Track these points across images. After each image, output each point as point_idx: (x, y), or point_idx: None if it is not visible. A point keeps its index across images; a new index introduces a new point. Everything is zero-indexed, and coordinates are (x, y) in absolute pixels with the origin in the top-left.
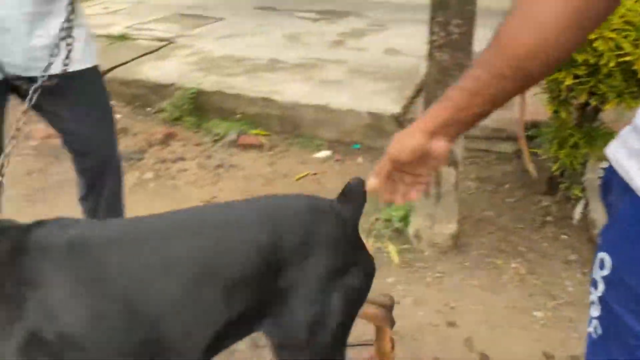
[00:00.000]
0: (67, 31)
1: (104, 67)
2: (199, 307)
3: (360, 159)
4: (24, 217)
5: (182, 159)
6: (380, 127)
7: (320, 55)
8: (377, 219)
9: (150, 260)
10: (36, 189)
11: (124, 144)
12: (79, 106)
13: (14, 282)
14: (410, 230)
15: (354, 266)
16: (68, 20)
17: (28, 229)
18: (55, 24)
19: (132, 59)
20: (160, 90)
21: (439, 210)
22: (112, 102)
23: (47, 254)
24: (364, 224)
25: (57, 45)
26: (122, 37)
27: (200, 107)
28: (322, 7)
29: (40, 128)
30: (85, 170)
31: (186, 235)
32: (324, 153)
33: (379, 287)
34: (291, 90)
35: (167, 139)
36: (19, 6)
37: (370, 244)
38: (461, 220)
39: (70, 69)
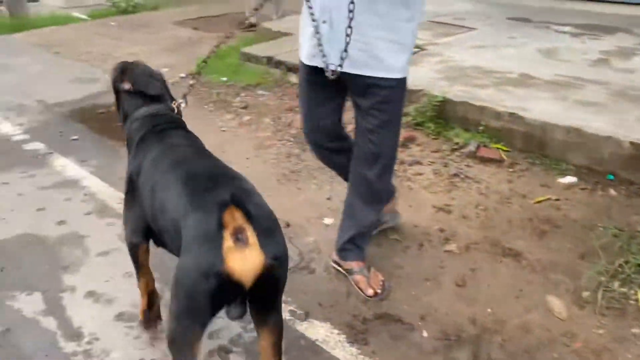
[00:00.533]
0: None
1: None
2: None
3: (613, 192)
4: (276, 191)
5: (419, 162)
6: None
7: (579, 74)
8: (626, 262)
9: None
10: (291, 170)
11: None
12: None
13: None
14: None
15: None
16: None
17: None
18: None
19: None
20: (409, 94)
21: None
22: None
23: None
24: (607, 265)
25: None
26: None
27: (443, 115)
28: (585, 20)
29: (299, 120)
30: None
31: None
32: (569, 179)
33: (619, 336)
34: (541, 108)
35: (407, 141)
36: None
37: (615, 287)
38: None
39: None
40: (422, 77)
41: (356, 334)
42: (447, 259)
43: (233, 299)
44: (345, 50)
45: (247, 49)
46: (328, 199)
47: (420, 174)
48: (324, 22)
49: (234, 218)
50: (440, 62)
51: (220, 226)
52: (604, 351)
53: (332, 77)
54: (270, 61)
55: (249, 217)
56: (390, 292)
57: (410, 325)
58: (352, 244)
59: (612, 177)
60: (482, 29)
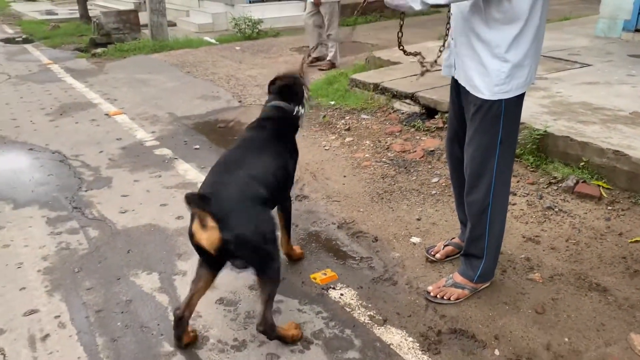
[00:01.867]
0: None
1: None
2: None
3: None
4: (368, 208)
5: (513, 193)
6: None
7: None
8: None
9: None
10: (385, 190)
11: None
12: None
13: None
14: None
15: None
16: None
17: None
18: None
19: None
20: None
21: None
22: None
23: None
24: None
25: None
26: None
27: (544, 149)
28: None
29: (398, 144)
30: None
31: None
32: None
33: None
34: None
35: None
36: None
37: None
38: None
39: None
40: (525, 109)
41: (429, 344)
42: (529, 286)
43: (218, 258)
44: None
45: (355, 76)
46: (418, 219)
47: (514, 204)
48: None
49: (198, 214)
50: (547, 97)
51: (192, 215)
52: None
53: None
54: (376, 87)
55: (210, 211)
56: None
57: (483, 343)
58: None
59: None
60: (597, 65)
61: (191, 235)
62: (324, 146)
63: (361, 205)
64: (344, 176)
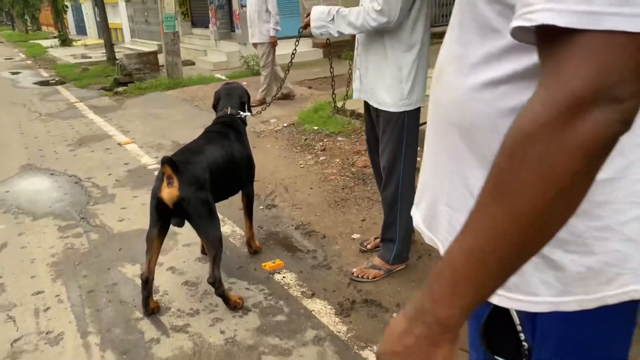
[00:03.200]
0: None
1: None
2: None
3: None
4: (324, 213)
5: None
6: None
7: None
8: None
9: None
10: (341, 198)
11: None
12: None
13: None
14: None
15: None
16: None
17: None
18: None
19: None
20: None
21: None
22: None
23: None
24: None
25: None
26: None
27: None
28: None
29: (362, 160)
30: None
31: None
32: None
33: None
34: None
35: None
36: None
37: None
38: None
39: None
40: None
41: (343, 310)
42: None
43: (170, 215)
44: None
45: (338, 104)
46: (362, 220)
47: None
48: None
49: (167, 172)
50: None
51: (162, 174)
52: None
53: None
54: (352, 113)
55: (177, 173)
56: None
57: (386, 309)
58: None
59: None
60: None
61: (157, 190)
62: (300, 164)
63: (319, 210)
64: (311, 188)
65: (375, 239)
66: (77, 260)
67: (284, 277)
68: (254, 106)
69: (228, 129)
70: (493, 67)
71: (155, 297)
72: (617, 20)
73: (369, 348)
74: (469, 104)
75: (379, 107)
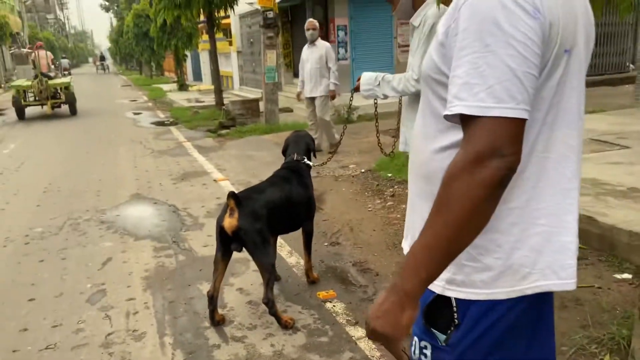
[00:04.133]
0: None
1: None
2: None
3: None
4: (381, 253)
5: None
6: None
7: None
8: (611, 337)
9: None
10: (400, 241)
11: None
12: None
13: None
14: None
15: None
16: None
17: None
18: None
19: None
20: None
21: None
22: None
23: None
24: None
25: None
26: None
27: None
28: None
29: None
30: None
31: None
32: (625, 275)
33: None
34: (621, 215)
35: None
36: None
37: (590, 349)
38: None
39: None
40: None
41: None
42: None
43: (230, 241)
44: None
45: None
46: None
47: None
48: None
49: (230, 204)
50: None
51: (226, 206)
52: None
53: None
54: None
55: (238, 206)
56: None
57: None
58: None
59: None
60: (636, 148)
61: (221, 219)
62: (369, 208)
63: (377, 251)
64: (374, 230)
65: None
66: (165, 276)
67: (334, 305)
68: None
69: (292, 173)
70: (443, 138)
71: (222, 311)
72: (499, 110)
73: None
74: (430, 162)
75: None
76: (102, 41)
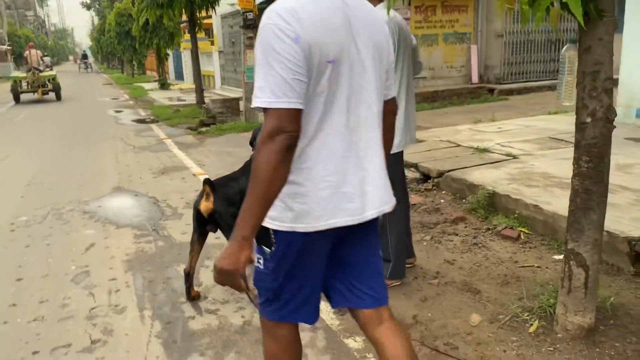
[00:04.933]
0: None
1: (451, 167)
2: None
3: None
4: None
5: (456, 234)
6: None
7: (628, 184)
8: (540, 306)
9: None
10: None
11: (435, 218)
12: None
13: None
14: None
15: None
16: None
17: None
18: None
19: (473, 166)
20: (472, 188)
21: (570, 301)
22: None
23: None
24: (526, 303)
25: None
26: (484, 150)
27: (493, 204)
28: None
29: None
30: None
31: None
32: (561, 256)
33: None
34: (563, 203)
35: (458, 220)
36: None
37: (524, 316)
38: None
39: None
40: (491, 177)
41: (339, 310)
42: (426, 287)
43: (206, 223)
44: None
45: None
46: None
47: (451, 241)
48: None
49: (206, 190)
50: (518, 169)
51: (203, 191)
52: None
53: None
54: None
55: (213, 191)
56: None
57: None
58: None
59: None
60: None
61: (197, 203)
62: None
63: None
64: None
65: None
66: (144, 259)
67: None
68: None
69: None
70: None
71: (198, 289)
72: (279, 104)
73: (352, 337)
74: None
75: None
76: (83, 39)
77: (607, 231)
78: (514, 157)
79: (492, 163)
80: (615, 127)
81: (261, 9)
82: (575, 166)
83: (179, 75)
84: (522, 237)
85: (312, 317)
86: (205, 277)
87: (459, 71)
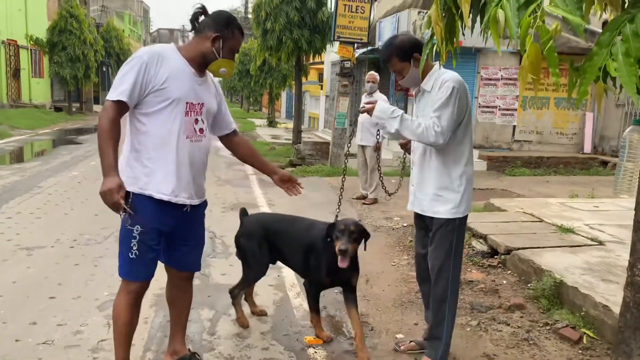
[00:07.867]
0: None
1: (522, 245)
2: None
3: None
4: (385, 309)
5: (507, 323)
6: None
7: None
8: None
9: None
10: (410, 300)
11: (489, 300)
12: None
13: None
14: None
15: None
16: None
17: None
18: None
19: (548, 247)
20: (539, 272)
21: None
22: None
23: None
24: None
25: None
26: (567, 230)
27: (559, 296)
28: None
29: None
30: None
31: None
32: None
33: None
34: None
35: (514, 307)
36: None
37: None
38: None
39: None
40: (564, 262)
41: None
42: None
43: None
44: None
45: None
46: (415, 324)
47: (499, 331)
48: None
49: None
50: (600, 257)
51: None
52: None
53: None
54: None
55: (241, 221)
56: None
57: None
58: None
59: None
60: None
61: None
62: (393, 262)
63: (382, 306)
64: (388, 285)
65: (410, 342)
66: None
67: (315, 352)
68: (367, 204)
69: (316, 239)
70: None
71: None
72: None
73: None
74: None
75: (434, 216)
76: None
77: None
78: (600, 242)
79: (572, 247)
80: None
81: (360, 60)
82: (629, 273)
83: (289, 115)
84: (585, 341)
85: None
86: (223, 326)
87: (570, 138)
